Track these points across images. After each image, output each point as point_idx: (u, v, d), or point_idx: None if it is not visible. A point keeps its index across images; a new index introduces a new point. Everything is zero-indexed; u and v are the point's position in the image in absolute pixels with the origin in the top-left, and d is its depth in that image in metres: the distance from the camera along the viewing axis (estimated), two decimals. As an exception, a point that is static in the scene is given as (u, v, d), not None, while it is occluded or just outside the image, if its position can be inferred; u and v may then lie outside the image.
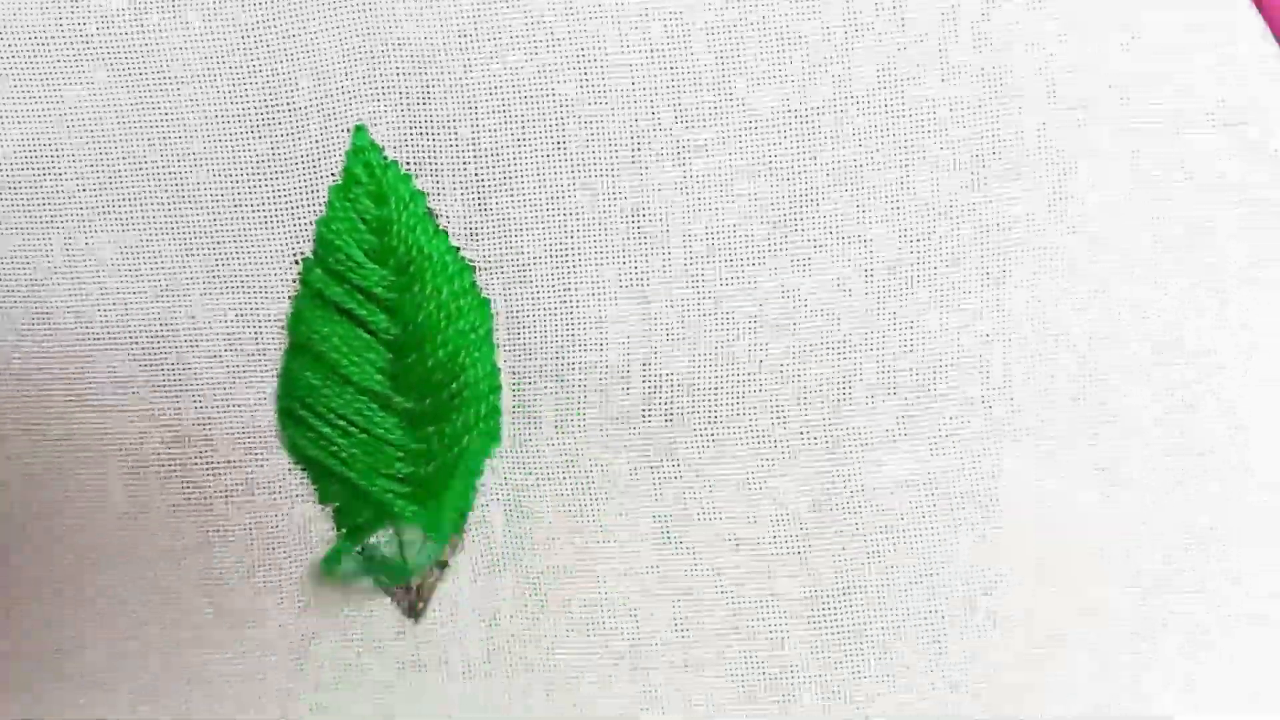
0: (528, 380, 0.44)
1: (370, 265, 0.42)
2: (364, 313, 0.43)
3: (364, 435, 0.43)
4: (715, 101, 0.42)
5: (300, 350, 0.43)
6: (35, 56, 0.42)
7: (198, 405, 0.44)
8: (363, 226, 0.42)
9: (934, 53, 0.42)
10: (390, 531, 0.45)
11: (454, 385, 0.43)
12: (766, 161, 0.42)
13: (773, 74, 0.42)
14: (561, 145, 0.42)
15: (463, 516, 0.45)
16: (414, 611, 0.45)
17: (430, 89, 0.42)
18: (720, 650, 0.45)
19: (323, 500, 0.45)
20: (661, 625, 0.44)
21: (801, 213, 0.43)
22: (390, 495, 0.43)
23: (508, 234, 0.43)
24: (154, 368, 0.43)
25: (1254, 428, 0.44)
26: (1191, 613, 0.45)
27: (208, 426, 0.44)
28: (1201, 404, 0.44)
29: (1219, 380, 0.43)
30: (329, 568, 0.44)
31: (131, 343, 0.43)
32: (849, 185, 0.42)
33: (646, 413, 0.44)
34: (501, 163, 0.42)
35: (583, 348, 0.44)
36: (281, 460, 0.44)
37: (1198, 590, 0.45)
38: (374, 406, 0.43)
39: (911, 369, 0.43)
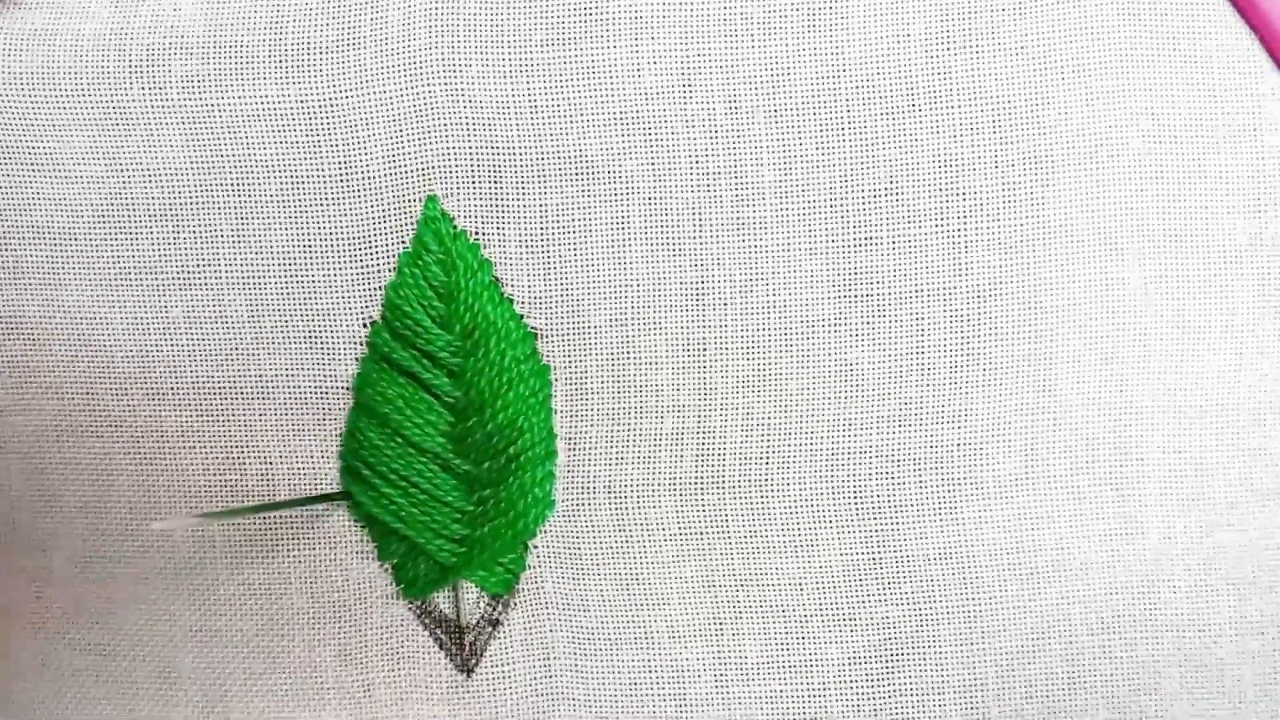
0: (583, 445, 0.45)
1: (436, 330, 0.44)
2: (428, 376, 0.44)
3: (423, 496, 0.44)
4: (776, 180, 0.44)
5: (365, 410, 0.44)
6: (116, 117, 0.44)
7: (262, 461, 0.45)
8: (430, 293, 0.44)
9: (986, 140, 0.44)
10: (447, 590, 0.46)
11: (511, 450, 0.44)
12: (824, 239, 0.44)
13: (830, 159, 0.43)
14: (625, 220, 0.44)
15: (515, 576, 0.46)
16: (467, 667, 0.46)
17: (500, 161, 0.44)
18: (764, 712, 0.46)
19: (382, 557, 0.46)
20: (707, 687, 0.46)
21: (857, 289, 0.44)
22: (446, 554, 0.45)
23: (570, 303, 0.44)
24: (220, 423, 0.45)
25: None
26: None
27: (271, 482, 0.45)
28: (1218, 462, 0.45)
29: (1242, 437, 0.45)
30: (412, 590, 0.45)
31: (199, 399, 0.45)
32: (903, 264, 0.44)
33: (699, 480, 0.45)
34: (567, 234, 0.44)
35: (638, 415, 0.45)
36: (343, 517, 0.45)
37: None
38: (434, 468, 0.44)
39: (959, 444, 0.45)
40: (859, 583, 0.45)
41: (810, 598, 0.45)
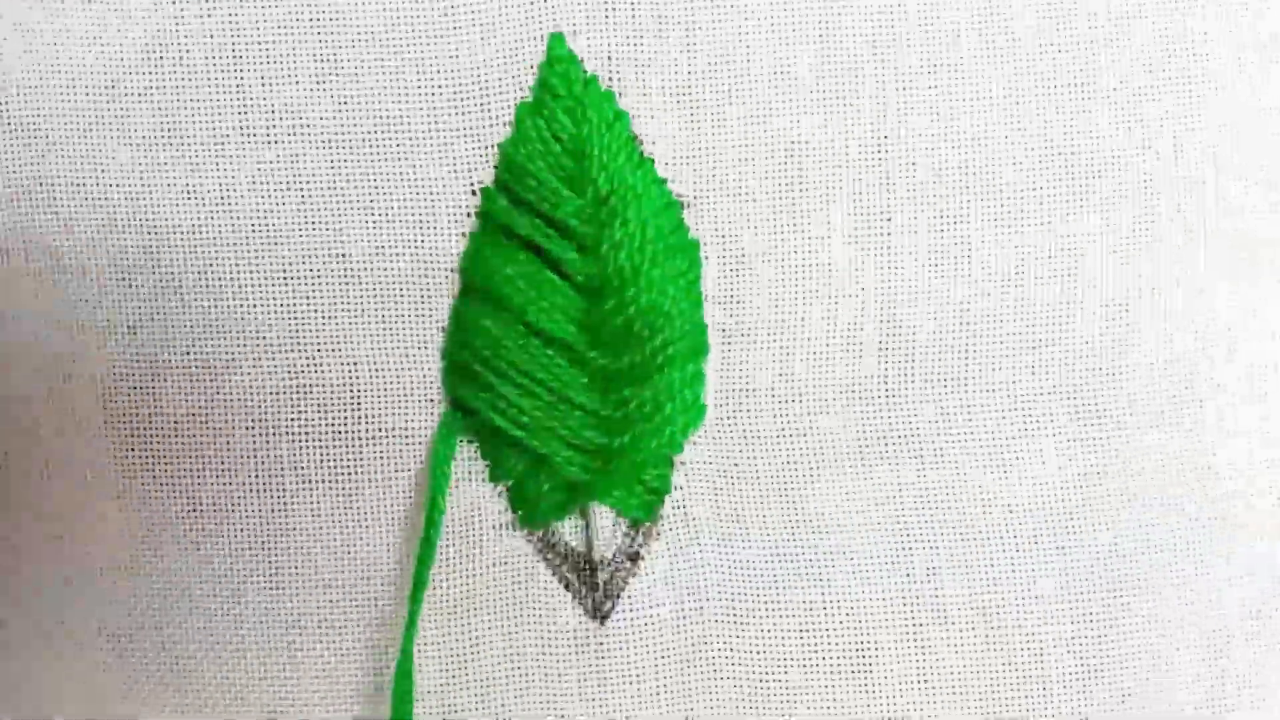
0: (740, 339, 0.37)
1: (566, 192, 0.35)
2: (556, 249, 0.36)
3: (551, 396, 0.36)
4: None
5: (476, 294, 0.36)
6: None
7: (343, 361, 0.36)
8: (558, 148, 0.36)
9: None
10: (575, 516, 0.37)
11: (656, 341, 0.36)
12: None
13: None
14: (792, 60, 0.36)
15: (659, 499, 0.37)
16: (599, 612, 0.37)
17: (640, -8, 0.36)
18: (968, 671, 0.37)
19: (494, 478, 0.37)
20: (896, 634, 0.37)
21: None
22: (577, 468, 0.36)
23: (723, 164, 0.37)
24: (292, 314, 0.36)
25: None
26: None
27: (352, 387, 0.36)
28: None
29: None
30: (533, 517, 0.37)
31: (265, 284, 0.36)
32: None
33: (882, 379, 0.37)
34: (721, 82, 0.36)
35: (808, 301, 0.37)
36: (434, 428, 0.37)
37: None
38: (563, 362, 0.36)
39: (1198, 335, 0.37)
40: (1081, 501, 0.37)
41: (1021, 521, 0.37)
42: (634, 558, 0.37)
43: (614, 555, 0.37)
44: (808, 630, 0.37)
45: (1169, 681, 0.38)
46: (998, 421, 0.37)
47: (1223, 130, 0.37)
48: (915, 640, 0.37)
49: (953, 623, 0.37)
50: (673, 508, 0.38)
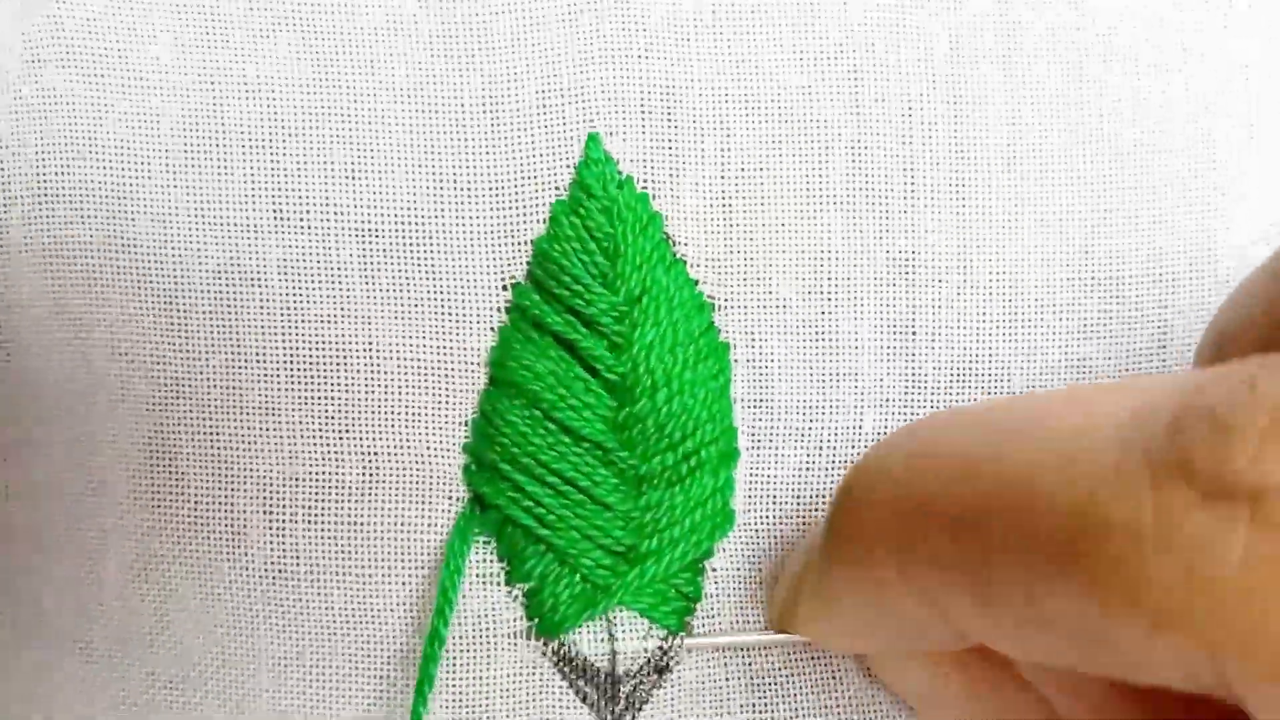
0: (768, 444, 0.37)
1: (599, 289, 0.35)
2: (587, 345, 0.35)
3: (579, 495, 0.35)
4: (1000, 139, 0.37)
5: (505, 389, 0.35)
6: (211, 18, 0.36)
7: (363, 453, 0.35)
8: (593, 246, 0.36)
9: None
10: (598, 626, 0.36)
11: (689, 444, 0.35)
12: (1055, 206, 0.37)
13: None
14: (824, 173, 0.37)
15: (691, 607, 0.36)
16: (621, 725, 0.35)
17: (676, 95, 0.37)
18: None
19: (511, 580, 0.36)
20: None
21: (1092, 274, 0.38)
22: (605, 571, 0.35)
23: (755, 268, 0.37)
24: (315, 403, 0.35)
25: None
26: None
27: (371, 480, 0.35)
28: None
29: None
30: (550, 624, 0.35)
31: (289, 371, 0.35)
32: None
33: (909, 488, 0.37)
34: (753, 186, 0.37)
35: (833, 410, 0.37)
36: (448, 527, 0.36)
37: None
38: (592, 461, 0.35)
39: None
40: None
41: None
42: (661, 670, 0.36)
43: (640, 669, 0.36)
44: (834, 748, 0.36)
45: None
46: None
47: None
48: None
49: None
50: (701, 617, 0.36)
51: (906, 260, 0.37)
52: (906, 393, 0.37)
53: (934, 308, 0.37)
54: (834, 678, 0.36)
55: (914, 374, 0.37)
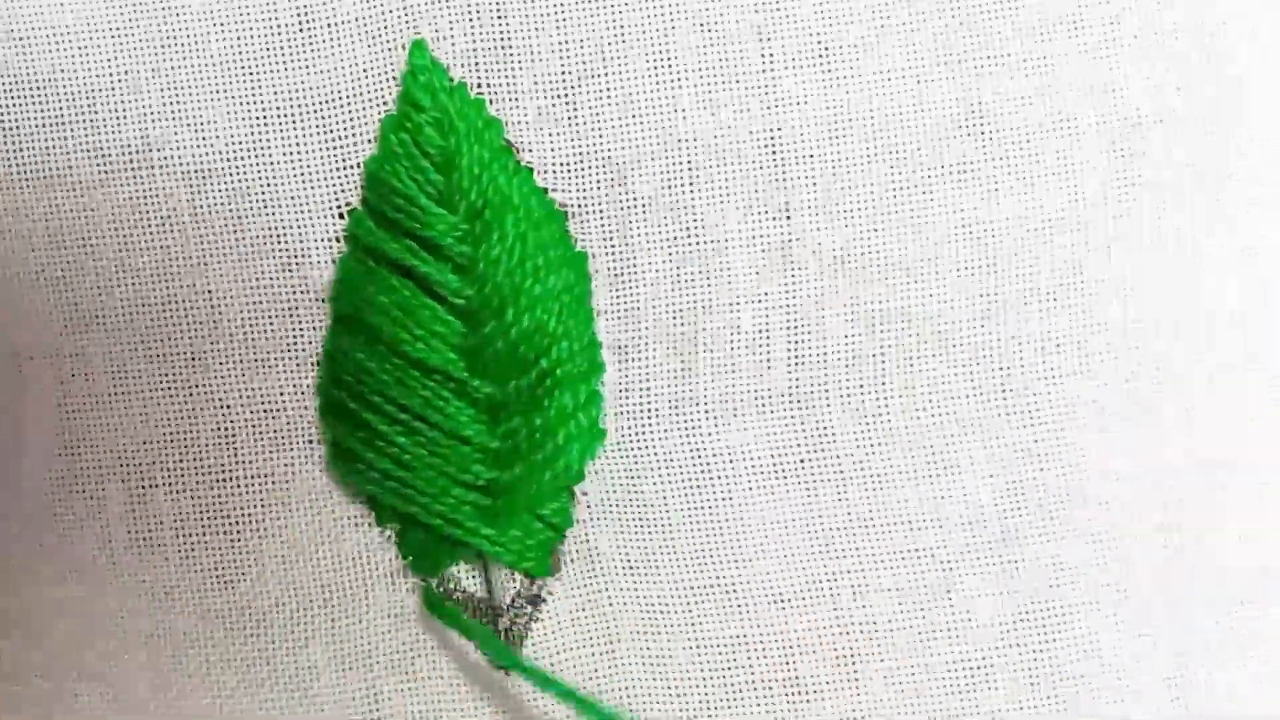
0: (637, 355, 0.34)
1: (437, 210, 0.33)
2: (429, 270, 0.33)
3: (434, 432, 0.33)
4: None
5: (348, 325, 0.34)
6: None
7: (216, 405, 0.34)
8: (425, 163, 0.33)
9: None
10: (471, 555, 0.34)
11: (544, 363, 0.33)
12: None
13: None
14: (670, 45, 0.33)
15: (559, 535, 0.34)
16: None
17: (506, -9, 0.33)
18: (903, 697, 0.34)
19: (381, 522, 0.34)
20: (824, 667, 0.34)
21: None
22: (467, 510, 0.33)
23: (609, 169, 0.34)
24: (159, 354, 0.34)
25: None
26: None
27: (228, 433, 0.34)
28: None
29: None
30: (433, 604, 0.34)
31: (131, 327, 0.34)
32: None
33: (792, 390, 0.34)
34: (599, 77, 0.33)
35: (707, 310, 0.34)
36: (321, 472, 0.34)
37: None
38: (446, 394, 0.33)
39: (1136, 350, 0.34)
40: (1019, 517, 0.34)
41: (956, 540, 0.34)
42: (535, 600, 0.34)
43: (513, 600, 0.34)
44: (732, 669, 0.34)
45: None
46: (924, 429, 0.34)
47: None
48: (848, 673, 0.34)
49: (885, 651, 0.34)
50: (574, 544, 0.35)
51: (771, 137, 0.34)
52: (785, 285, 0.34)
53: (808, 187, 0.34)
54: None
55: (791, 262, 0.34)
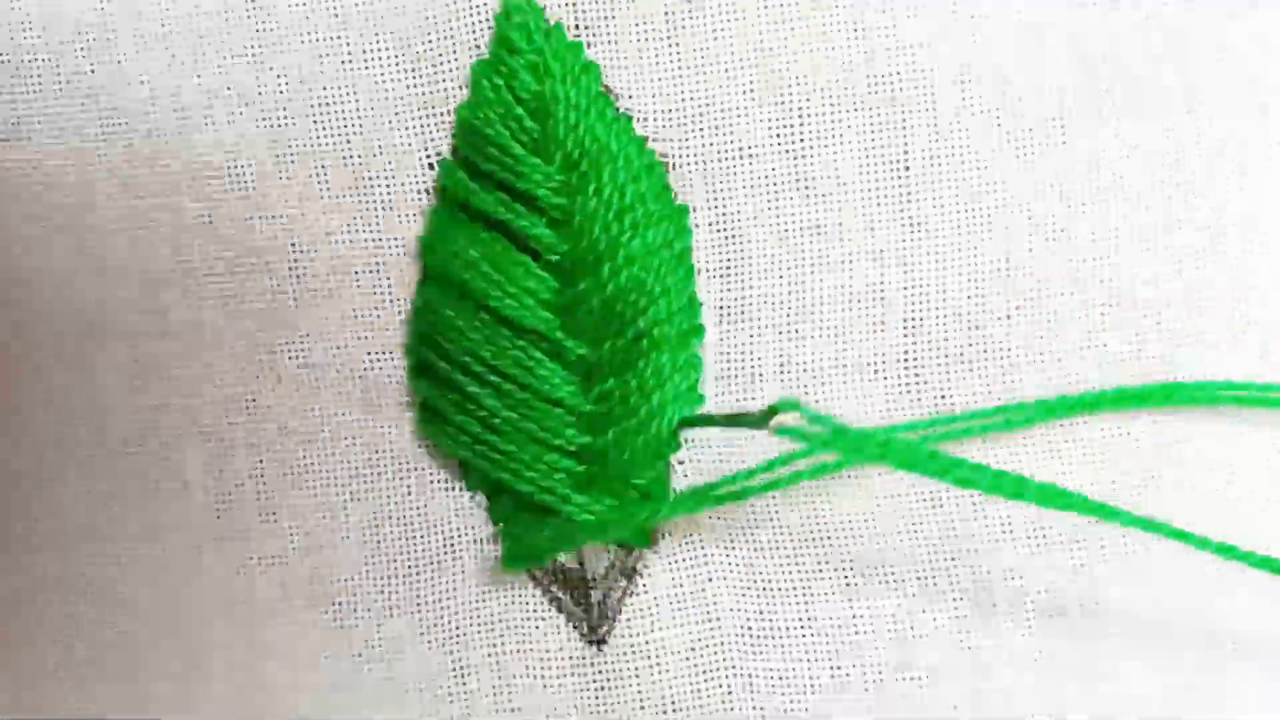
0: (740, 316, 0.32)
1: (532, 160, 0.31)
2: (523, 224, 0.31)
3: (524, 394, 0.31)
4: None
5: (437, 282, 0.32)
6: None
7: (299, 362, 0.32)
8: (519, 110, 0.31)
9: None
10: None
11: (640, 322, 0.31)
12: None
13: None
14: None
15: (656, 506, 0.32)
16: (596, 636, 0.32)
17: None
18: (1027, 686, 0.32)
19: (470, 487, 0.33)
20: (944, 653, 0.32)
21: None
22: (559, 478, 0.31)
23: (711, 116, 0.31)
24: (238, 311, 0.32)
25: None
26: None
27: (311, 391, 0.32)
28: None
29: None
30: (513, 562, 0.32)
31: (209, 278, 0.32)
32: None
33: (909, 353, 0.32)
34: (702, 19, 0.31)
35: (817, 268, 0.32)
36: (412, 435, 0.33)
37: None
38: (538, 354, 0.31)
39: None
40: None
41: (1090, 523, 0.31)
42: (629, 574, 0.32)
43: (607, 572, 0.32)
44: (842, 652, 0.32)
45: None
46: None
47: None
48: (968, 662, 0.32)
49: (1007, 637, 0.32)
50: (673, 519, 0.33)
51: (892, 82, 0.31)
52: (903, 241, 0.32)
53: (929, 136, 0.31)
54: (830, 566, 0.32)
55: (910, 218, 0.32)
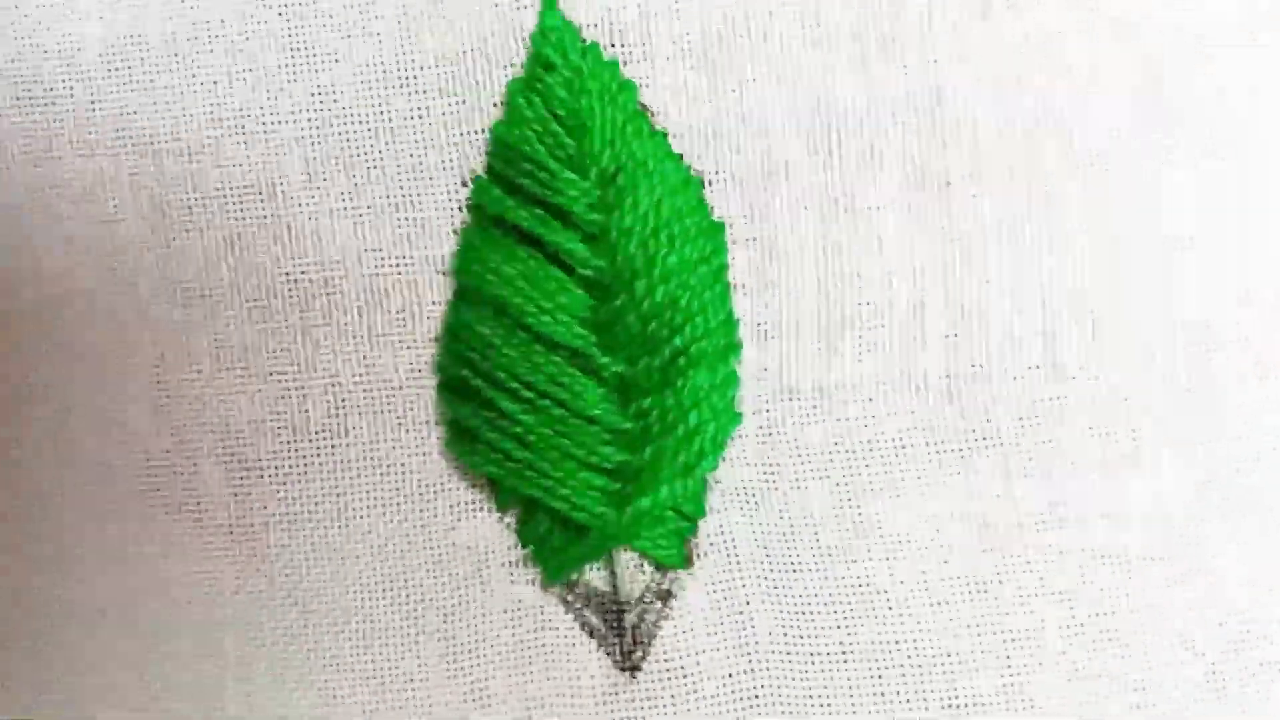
0: (779, 333, 0.32)
1: (568, 175, 0.31)
2: (559, 240, 0.31)
3: (560, 411, 0.31)
4: None
5: (470, 298, 0.31)
6: None
7: (328, 379, 0.32)
8: (556, 126, 0.31)
9: None
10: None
11: (678, 340, 0.31)
12: None
13: None
14: (820, 9, 0.31)
15: (693, 526, 0.32)
16: (629, 662, 0.31)
17: (643, -56, 0.31)
18: (1073, 716, 0.31)
19: (501, 507, 0.32)
20: (985, 680, 0.31)
21: None
22: (594, 495, 0.31)
23: (750, 131, 0.31)
24: (267, 330, 0.32)
25: None
26: None
27: (339, 410, 0.32)
28: None
29: None
30: (555, 575, 0.32)
31: (237, 296, 0.32)
32: None
33: (950, 371, 0.31)
34: (740, 34, 0.31)
35: (857, 285, 0.31)
36: (440, 455, 0.32)
37: None
38: (573, 371, 0.31)
39: None
40: (1208, 514, 0.31)
41: (1136, 540, 0.31)
42: (665, 596, 0.32)
43: (642, 594, 0.32)
44: (882, 676, 0.31)
45: None
46: (1104, 419, 0.31)
47: None
48: (1012, 686, 0.31)
49: (1047, 666, 0.31)
50: (708, 536, 0.32)
51: (931, 99, 0.31)
52: (945, 258, 0.31)
53: (970, 154, 0.31)
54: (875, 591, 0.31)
55: (952, 234, 0.31)
